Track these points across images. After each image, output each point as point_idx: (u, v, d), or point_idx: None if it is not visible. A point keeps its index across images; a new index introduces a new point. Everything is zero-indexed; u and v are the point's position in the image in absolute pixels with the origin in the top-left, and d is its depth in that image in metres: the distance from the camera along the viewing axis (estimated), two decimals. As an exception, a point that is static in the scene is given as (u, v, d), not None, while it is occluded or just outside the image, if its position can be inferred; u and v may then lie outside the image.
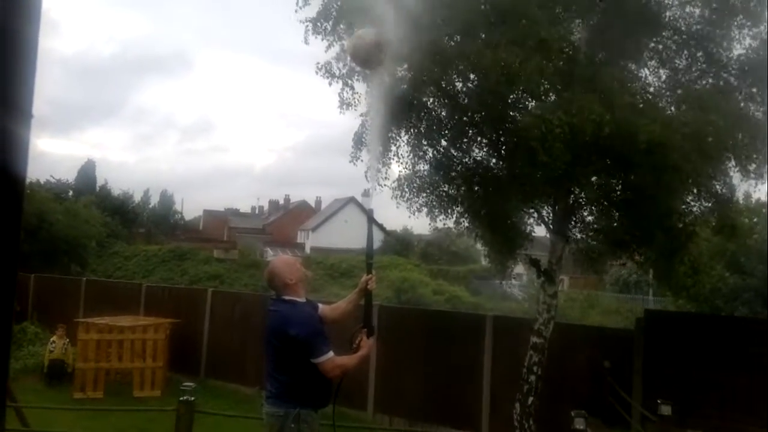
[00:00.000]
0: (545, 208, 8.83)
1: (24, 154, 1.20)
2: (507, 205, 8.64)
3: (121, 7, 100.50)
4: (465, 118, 8.30)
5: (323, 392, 3.66)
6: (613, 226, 8.63)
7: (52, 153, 72.86)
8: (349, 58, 7.06)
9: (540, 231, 9.47)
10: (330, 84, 8.18)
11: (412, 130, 8.44)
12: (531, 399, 8.08)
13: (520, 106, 7.77)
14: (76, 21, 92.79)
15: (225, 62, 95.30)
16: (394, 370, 10.49)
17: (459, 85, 8.19)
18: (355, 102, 8.26)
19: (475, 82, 7.87)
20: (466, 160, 8.87)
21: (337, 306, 3.97)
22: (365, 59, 3.99)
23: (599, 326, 13.41)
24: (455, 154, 8.85)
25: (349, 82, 8.17)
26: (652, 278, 14.94)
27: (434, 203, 8.99)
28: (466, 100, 8.21)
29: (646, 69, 8.19)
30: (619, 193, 8.24)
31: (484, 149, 8.82)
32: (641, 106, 7.11)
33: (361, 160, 8.16)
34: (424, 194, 8.96)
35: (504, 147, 8.36)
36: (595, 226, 9.02)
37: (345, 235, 37.03)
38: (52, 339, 12.26)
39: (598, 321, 18.90)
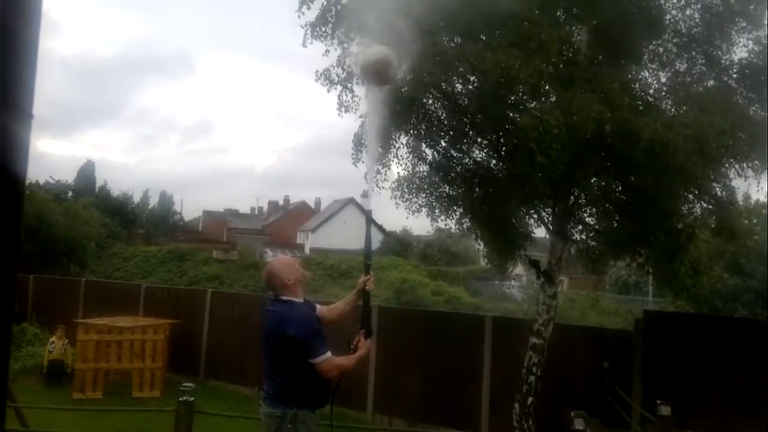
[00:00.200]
0: (545, 209, 8.84)
1: (24, 154, 1.20)
2: (507, 206, 8.66)
3: (121, 8, 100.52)
4: (465, 120, 8.32)
5: (321, 393, 3.65)
6: (613, 227, 8.64)
7: (53, 154, 73.06)
8: (357, 71, 7.06)
9: (540, 232, 9.50)
10: (329, 91, 8.25)
11: (412, 132, 8.45)
12: (530, 399, 8.08)
13: (520, 107, 7.78)
14: (77, 22, 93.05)
15: (225, 63, 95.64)
16: (394, 371, 10.49)
17: (459, 86, 8.20)
18: (354, 105, 8.31)
19: (476, 84, 7.88)
20: (466, 161, 8.89)
21: (335, 307, 3.96)
22: (377, 79, 3.89)
23: (599, 327, 13.41)
24: (455, 155, 8.87)
25: (349, 85, 8.21)
26: (651, 279, 14.93)
27: (434, 204, 9.01)
28: (466, 102, 8.23)
29: (646, 71, 8.20)
30: (619, 194, 8.25)
31: (484, 150, 8.83)
32: (641, 107, 7.11)
33: (362, 162, 8.19)
34: (424, 195, 8.98)
35: (504, 148, 8.37)
36: (595, 226, 9.03)
37: (344, 236, 37.00)
38: (51, 339, 12.25)
39: (598, 322, 18.84)
